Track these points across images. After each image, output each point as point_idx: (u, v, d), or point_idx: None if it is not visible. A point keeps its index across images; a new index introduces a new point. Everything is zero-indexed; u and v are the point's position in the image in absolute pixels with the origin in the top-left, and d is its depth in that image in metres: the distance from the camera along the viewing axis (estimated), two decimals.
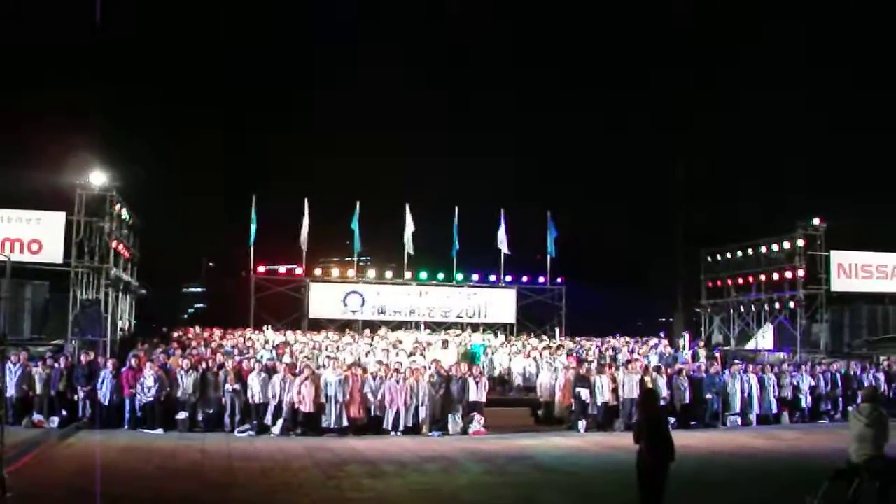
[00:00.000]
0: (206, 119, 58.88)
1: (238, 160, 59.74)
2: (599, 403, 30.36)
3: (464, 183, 55.94)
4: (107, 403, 27.59)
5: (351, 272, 45.80)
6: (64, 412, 27.81)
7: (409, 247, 44.67)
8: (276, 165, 59.18)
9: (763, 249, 44.43)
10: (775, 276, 43.57)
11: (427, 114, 60.26)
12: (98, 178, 34.20)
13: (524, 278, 47.01)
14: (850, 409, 17.36)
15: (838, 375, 34.43)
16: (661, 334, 45.62)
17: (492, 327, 45.21)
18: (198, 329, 39.90)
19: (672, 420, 27.16)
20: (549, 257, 46.65)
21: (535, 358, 35.02)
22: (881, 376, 34.55)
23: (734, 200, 55.59)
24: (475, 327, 44.54)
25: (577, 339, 42.01)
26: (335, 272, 46.38)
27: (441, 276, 46.04)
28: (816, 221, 41.98)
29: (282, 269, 45.75)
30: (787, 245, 42.58)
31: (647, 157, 59.13)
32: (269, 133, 61.72)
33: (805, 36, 54.36)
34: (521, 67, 63.67)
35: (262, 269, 44.09)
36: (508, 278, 46.54)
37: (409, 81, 58.85)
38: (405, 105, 58.76)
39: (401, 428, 28.49)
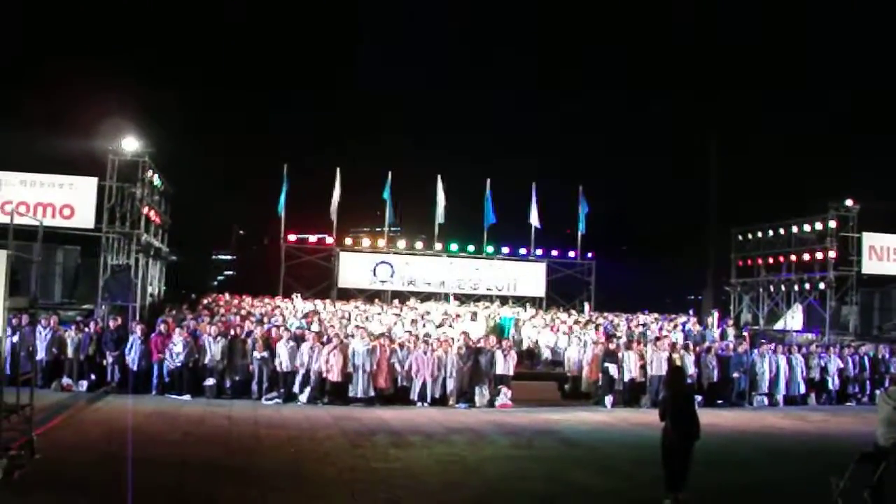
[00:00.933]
0: (242, 88, 59.01)
1: (272, 129, 59.89)
2: (627, 379, 30.33)
3: (495, 156, 55.97)
4: (135, 368, 27.73)
5: (381, 242, 45.73)
6: (93, 376, 28.00)
7: (440, 217, 44.59)
8: (310, 135, 59.29)
9: (794, 229, 44.10)
10: (806, 257, 43.25)
11: (460, 89, 60.36)
12: (130, 144, 34.21)
13: (554, 252, 46.90)
14: (878, 392, 17.26)
15: (867, 358, 34.27)
16: (690, 312, 45.38)
17: (521, 300, 45.20)
18: (227, 296, 40.02)
19: (698, 398, 27.08)
20: (579, 232, 46.51)
21: (563, 332, 34.98)
22: None
23: (767, 180, 55.31)
24: (504, 300, 44.52)
25: (606, 314, 41.86)
26: (365, 242, 46.37)
27: (471, 248, 45.96)
28: (849, 203, 41.68)
29: (312, 238, 45.79)
30: (818, 226, 42.24)
31: (679, 134, 58.95)
32: (303, 103, 61.82)
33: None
34: (556, 44, 63.56)
35: (292, 237, 44.11)
36: (539, 252, 46.46)
37: (448, 58, 58.90)
38: (440, 79, 58.83)
39: (428, 399, 28.56)
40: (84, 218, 33.64)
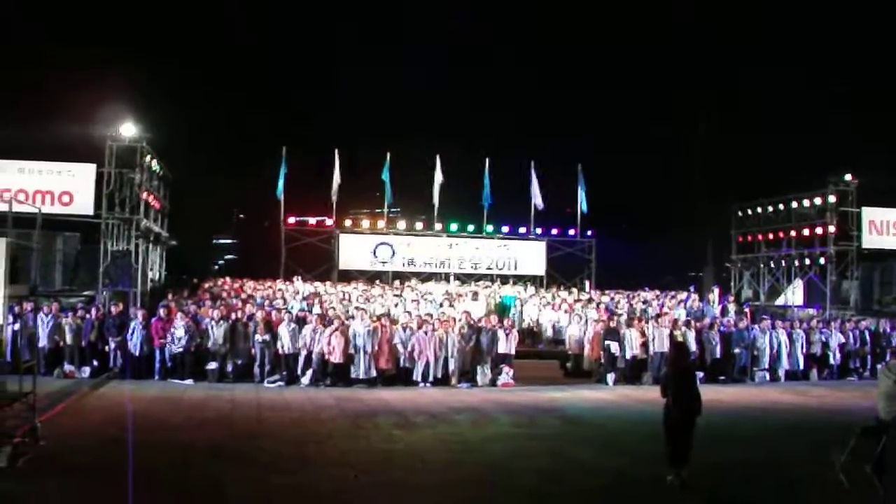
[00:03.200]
0: (238, 70, 58.92)
1: (269, 111, 59.80)
2: (628, 357, 30.46)
3: (493, 135, 55.88)
4: (137, 354, 27.85)
5: (381, 223, 45.61)
6: (95, 362, 28.11)
7: (435, 198, 44.53)
8: (307, 116, 59.20)
9: (794, 205, 44.12)
10: (806, 232, 43.32)
11: (456, 66, 60.24)
12: (128, 129, 34.27)
13: (554, 231, 46.81)
14: (878, 366, 17.30)
15: (868, 333, 34.34)
16: (691, 288, 45.34)
17: (522, 279, 45.17)
18: (228, 280, 40.06)
19: (700, 374, 27.15)
20: (579, 211, 46.49)
21: (564, 310, 35.04)
22: None
23: (766, 155, 55.23)
24: (505, 279, 44.48)
25: (607, 291, 41.89)
26: (365, 223, 46.23)
27: (471, 227, 45.83)
28: (848, 177, 41.71)
29: (312, 221, 45.71)
30: (818, 201, 42.31)
31: (677, 108, 58.85)
32: (301, 83, 61.69)
33: None
34: (547, 36, 63.41)
35: (292, 220, 44.00)
36: (538, 231, 46.36)
37: (441, 36, 58.71)
38: (436, 58, 58.69)
39: (430, 379, 28.65)
40: (83, 204, 33.76)
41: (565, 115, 60.55)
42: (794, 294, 44.13)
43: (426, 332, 28.79)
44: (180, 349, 27.77)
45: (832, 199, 41.45)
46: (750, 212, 47.65)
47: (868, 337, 34.18)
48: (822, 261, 42.41)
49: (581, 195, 46.07)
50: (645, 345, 30.61)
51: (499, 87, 62.52)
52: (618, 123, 59.78)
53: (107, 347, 28.20)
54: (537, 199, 45.55)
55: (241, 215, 77.39)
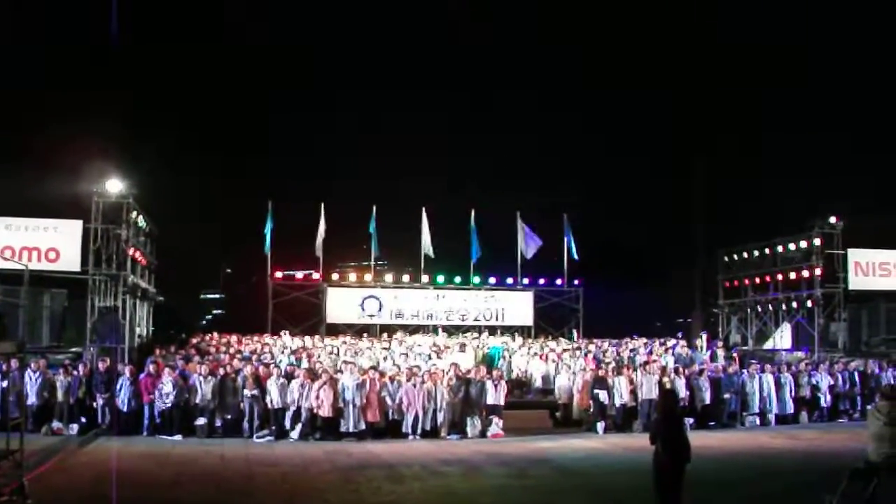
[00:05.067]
0: (222, 125, 59.11)
1: (256, 165, 60.00)
2: (618, 405, 30.44)
3: (479, 186, 56.09)
4: (125, 410, 27.75)
5: (368, 276, 45.59)
6: (83, 419, 27.97)
7: (428, 250, 44.52)
8: (293, 170, 59.38)
9: (780, 248, 44.20)
10: (792, 276, 43.39)
11: (440, 117, 60.50)
12: (114, 185, 34.27)
13: (541, 280, 46.76)
14: (868, 407, 17.30)
15: (857, 374, 34.39)
16: (679, 335, 45.43)
17: (509, 330, 45.10)
18: (216, 335, 40.00)
19: (690, 421, 27.22)
20: (565, 260, 46.52)
21: (552, 360, 35.04)
22: None
23: (752, 200, 55.42)
24: (492, 330, 44.42)
25: (595, 340, 41.90)
26: (352, 277, 46.25)
27: (458, 279, 45.79)
28: (833, 220, 41.86)
29: (299, 275, 45.74)
30: (803, 244, 42.42)
31: (662, 158, 59.16)
32: (284, 137, 61.99)
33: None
34: (542, 67, 63.63)
35: (279, 274, 43.98)
36: (525, 281, 46.29)
37: (423, 81, 59.07)
38: (420, 107, 59.02)
39: (419, 431, 28.56)
40: (70, 260, 33.68)
41: (550, 164, 60.89)
42: (782, 337, 44.20)
43: (415, 385, 28.73)
44: (168, 405, 27.68)
45: (818, 241, 41.55)
46: (736, 256, 47.74)
47: (857, 378, 34.23)
48: (809, 303, 42.45)
49: (570, 243, 46.08)
50: (634, 392, 30.62)
51: (488, 131, 62.95)
52: (603, 170, 60.07)
53: (95, 404, 28.12)
54: (526, 247, 45.49)
55: (229, 270, 77.57)
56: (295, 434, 27.76)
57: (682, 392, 30.01)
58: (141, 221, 36.91)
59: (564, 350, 37.02)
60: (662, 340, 41.56)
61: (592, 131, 61.12)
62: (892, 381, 32.12)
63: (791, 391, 32.76)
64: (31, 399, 27.20)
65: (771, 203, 53.24)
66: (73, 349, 33.97)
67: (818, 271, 41.47)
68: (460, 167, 59.24)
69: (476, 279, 45.58)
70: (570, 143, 61.13)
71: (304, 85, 62.83)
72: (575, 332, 45.62)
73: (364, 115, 60.56)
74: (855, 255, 41.89)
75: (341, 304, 44.58)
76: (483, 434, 28.94)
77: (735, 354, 38.61)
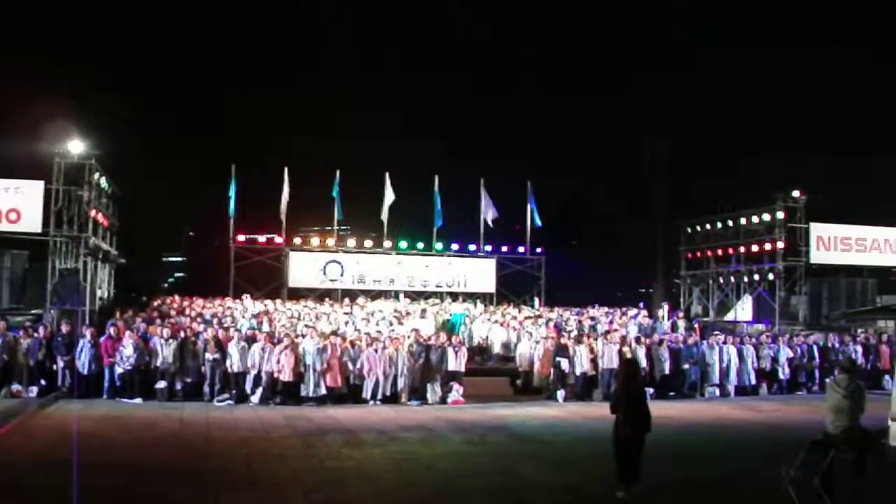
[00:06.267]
0: (189, 88, 58.87)
1: (219, 129, 59.76)
2: (578, 373, 30.57)
3: (443, 153, 56.10)
4: (86, 373, 27.64)
5: (331, 241, 45.36)
6: (43, 382, 27.84)
7: (384, 215, 44.39)
8: (257, 134, 59.16)
9: (743, 221, 44.46)
10: (755, 248, 43.58)
11: (407, 86, 60.54)
12: (76, 146, 33.99)
13: (504, 248, 46.73)
14: (827, 380, 17.38)
15: (816, 347, 34.75)
16: (641, 305, 45.51)
17: (471, 297, 45.08)
18: (177, 298, 39.80)
19: (651, 391, 27.35)
20: (528, 228, 46.48)
21: (514, 328, 35.09)
22: (858, 348, 34.88)
23: (715, 172, 55.70)
24: (454, 297, 44.44)
25: (557, 308, 41.95)
26: (315, 241, 45.97)
27: (421, 245, 45.69)
28: (796, 193, 42.03)
29: (262, 239, 45.52)
30: (766, 217, 42.68)
31: (626, 128, 59.34)
32: (250, 101, 61.77)
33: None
34: (504, 41, 63.81)
35: (242, 238, 43.72)
36: (488, 248, 46.22)
37: (393, 55, 59.01)
38: (387, 77, 59.04)
39: (379, 397, 28.71)
40: (31, 222, 33.40)
41: (513, 133, 61.00)
42: (743, 310, 44.39)
43: (376, 350, 28.82)
44: (129, 368, 27.57)
45: (780, 215, 41.72)
46: (699, 228, 47.88)
47: (816, 351, 34.60)
48: (770, 276, 42.71)
49: (533, 211, 46.00)
50: (594, 361, 30.72)
51: (446, 103, 62.94)
52: (567, 140, 60.22)
53: (55, 366, 28.00)
54: (489, 214, 45.40)
55: (192, 233, 77.32)
56: (255, 398, 27.75)
57: (643, 362, 30.08)
58: (103, 183, 36.66)
59: (526, 318, 37.14)
60: (624, 310, 41.64)
61: (556, 102, 61.33)
62: (852, 355, 32.45)
63: (753, 363, 32.99)
64: None
65: (734, 176, 53.52)
66: (34, 311, 33.79)
67: (780, 244, 41.72)
68: (427, 136, 59.21)
69: (439, 245, 45.47)
70: (534, 116, 61.31)
71: (273, 53, 62.77)
72: (537, 299, 45.74)
73: (327, 84, 60.40)
74: (817, 230, 42.21)
75: (303, 268, 44.42)
76: (443, 400, 29.07)
77: (696, 325, 38.72)
